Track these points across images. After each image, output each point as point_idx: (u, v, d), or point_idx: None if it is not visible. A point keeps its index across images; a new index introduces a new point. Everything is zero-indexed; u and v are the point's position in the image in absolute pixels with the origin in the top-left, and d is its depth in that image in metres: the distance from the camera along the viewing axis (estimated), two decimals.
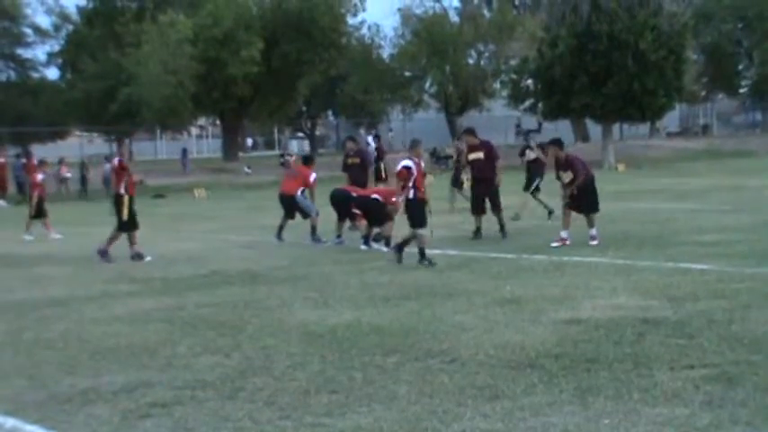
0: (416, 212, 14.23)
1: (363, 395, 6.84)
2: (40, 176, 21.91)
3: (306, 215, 18.25)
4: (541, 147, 20.75)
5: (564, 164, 15.88)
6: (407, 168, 14.40)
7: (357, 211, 16.84)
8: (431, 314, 9.77)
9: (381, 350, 8.15)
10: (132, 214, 16.27)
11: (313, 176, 18.39)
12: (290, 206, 18.39)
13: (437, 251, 15.54)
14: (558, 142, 16.14)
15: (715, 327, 8.48)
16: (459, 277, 12.44)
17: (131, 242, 16.20)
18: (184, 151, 55.24)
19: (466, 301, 10.45)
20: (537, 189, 21.03)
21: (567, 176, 15.76)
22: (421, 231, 14.07)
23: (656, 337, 8.15)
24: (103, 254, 15.93)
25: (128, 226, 16.18)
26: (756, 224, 17.31)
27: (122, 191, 16.23)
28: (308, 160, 19.51)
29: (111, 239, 16.13)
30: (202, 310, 10.71)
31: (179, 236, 20.66)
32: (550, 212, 20.13)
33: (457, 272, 12.99)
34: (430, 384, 7.01)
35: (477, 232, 17.30)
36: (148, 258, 15.95)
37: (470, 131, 18.08)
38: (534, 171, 21.22)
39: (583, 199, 15.81)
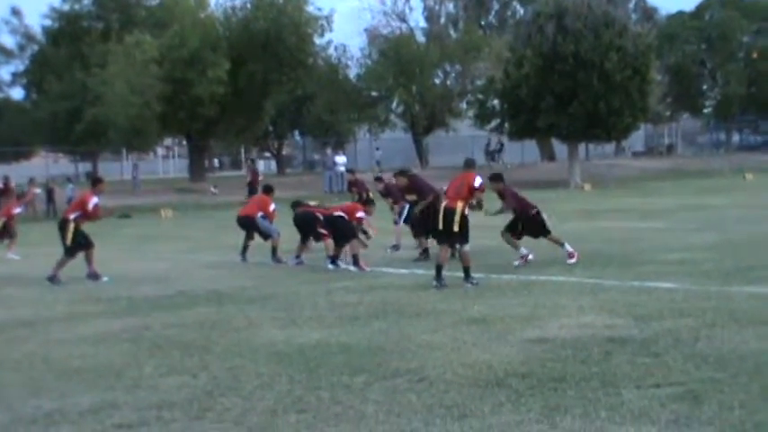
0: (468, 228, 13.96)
1: (331, 415, 6.83)
2: (18, 210, 22.16)
3: (266, 236, 18.24)
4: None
5: (501, 195, 16.25)
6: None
7: (323, 231, 16.81)
8: (399, 333, 9.77)
9: (349, 369, 8.14)
10: (84, 235, 16.20)
11: (272, 207, 18.42)
12: (250, 227, 18.41)
13: (404, 271, 15.60)
14: (498, 177, 16.36)
15: (681, 345, 8.54)
16: (428, 297, 12.45)
17: (89, 261, 16.18)
18: (135, 167, 54.59)
19: (434, 321, 10.47)
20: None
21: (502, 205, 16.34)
22: (467, 248, 13.76)
23: (623, 356, 8.19)
24: (53, 279, 15.87)
25: (73, 250, 16.13)
26: (721, 243, 17.47)
27: (70, 216, 16.21)
28: (268, 190, 19.38)
29: (60, 264, 16.12)
30: (169, 330, 10.65)
31: (145, 256, 20.54)
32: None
33: (425, 291, 13.00)
34: (398, 404, 7.01)
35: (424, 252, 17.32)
36: (105, 279, 15.89)
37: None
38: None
39: (527, 228, 16.02)
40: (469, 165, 14.71)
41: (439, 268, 13.50)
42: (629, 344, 8.68)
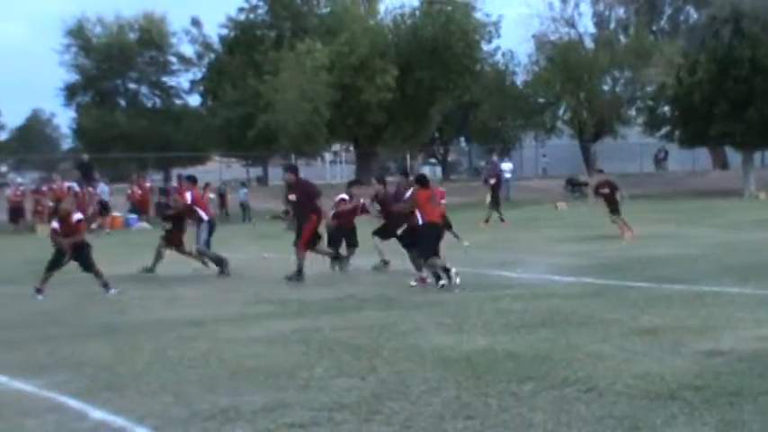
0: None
1: (499, 422, 6.80)
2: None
3: None
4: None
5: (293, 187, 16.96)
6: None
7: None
8: (566, 342, 9.66)
9: (516, 377, 8.10)
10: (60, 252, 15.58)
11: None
12: None
13: (571, 279, 15.38)
14: (292, 168, 17.21)
15: None
16: (595, 306, 12.25)
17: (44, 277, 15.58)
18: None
19: (602, 330, 10.30)
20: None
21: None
22: None
23: None
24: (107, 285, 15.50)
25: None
26: None
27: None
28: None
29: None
30: (338, 332, 10.82)
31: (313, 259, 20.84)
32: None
33: (592, 300, 12.80)
34: (567, 413, 6.93)
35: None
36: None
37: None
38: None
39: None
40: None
41: None
42: None
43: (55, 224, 15.68)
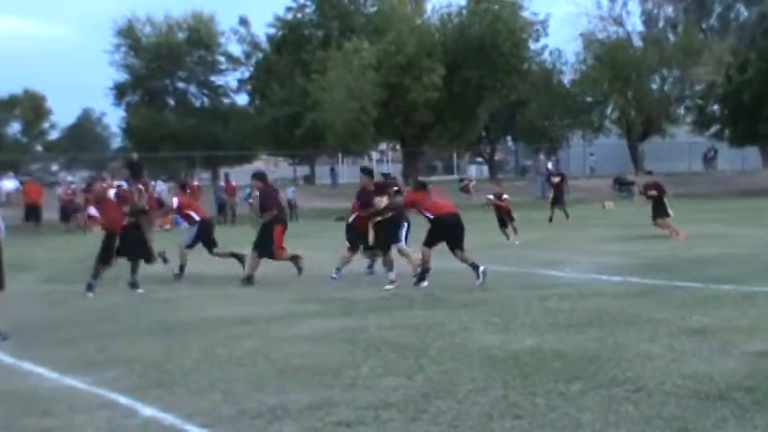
0: None
1: (547, 422, 6.78)
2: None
3: None
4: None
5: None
6: None
7: None
8: (614, 342, 9.60)
9: (564, 377, 8.06)
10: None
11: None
12: None
13: (618, 278, 15.28)
14: (259, 175, 17.45)
15: None
16: (643, 305, 12.16)
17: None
18: (332, 171, 58.37)
19: (650, 330, 10.22)
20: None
21: None
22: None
23: None
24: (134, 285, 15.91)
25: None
26: None
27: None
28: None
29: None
30: (385, 331, 10.83)
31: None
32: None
33: (640, 300, 12.71)
34: (615, 413, 6.89)
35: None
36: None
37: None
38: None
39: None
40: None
41: None
42: None
43: (92, 211, 15.82)
